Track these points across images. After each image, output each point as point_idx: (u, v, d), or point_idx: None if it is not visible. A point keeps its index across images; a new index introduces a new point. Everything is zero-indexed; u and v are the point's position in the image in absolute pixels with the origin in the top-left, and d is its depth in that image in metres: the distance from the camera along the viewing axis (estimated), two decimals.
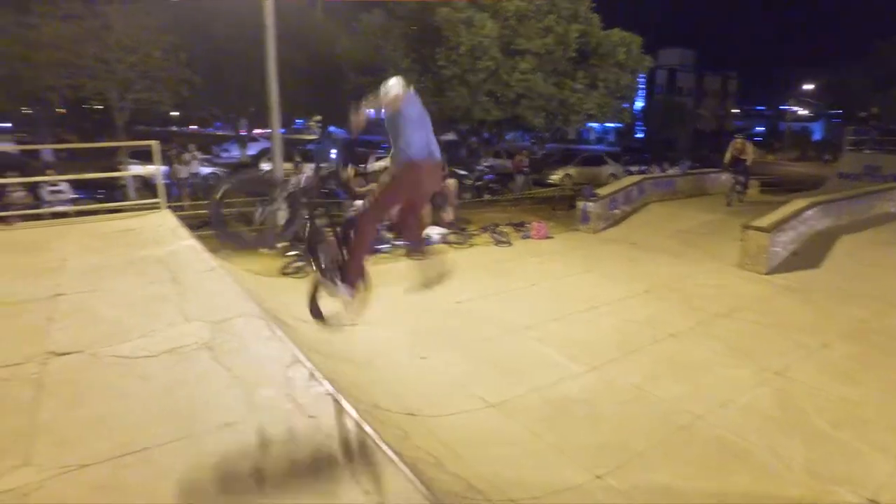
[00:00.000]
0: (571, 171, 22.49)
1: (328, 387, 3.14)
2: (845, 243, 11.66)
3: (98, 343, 3.67)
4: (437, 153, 3.57)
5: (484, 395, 5.76)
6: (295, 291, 8.69)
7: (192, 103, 24.69)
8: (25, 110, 28.40)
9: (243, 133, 29.63)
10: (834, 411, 5.60)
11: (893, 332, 7.87)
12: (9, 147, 16.09)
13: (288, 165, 13.64)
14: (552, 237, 13.20)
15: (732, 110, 63.94)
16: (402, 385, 5.87)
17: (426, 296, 8.39)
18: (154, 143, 8.67)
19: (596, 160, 24.39)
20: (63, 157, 23.80)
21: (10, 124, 37.57)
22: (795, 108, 56.93)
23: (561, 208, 16.61)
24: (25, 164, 12.17)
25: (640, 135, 49.12)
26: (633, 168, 24.47)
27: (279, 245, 10.93)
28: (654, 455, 4.86)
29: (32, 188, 10.34)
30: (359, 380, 5.76)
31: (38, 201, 10.27)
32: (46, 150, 22.66)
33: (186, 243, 6.50)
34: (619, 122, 21.50)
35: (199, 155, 16.07)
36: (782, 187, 21.07)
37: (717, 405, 5.66)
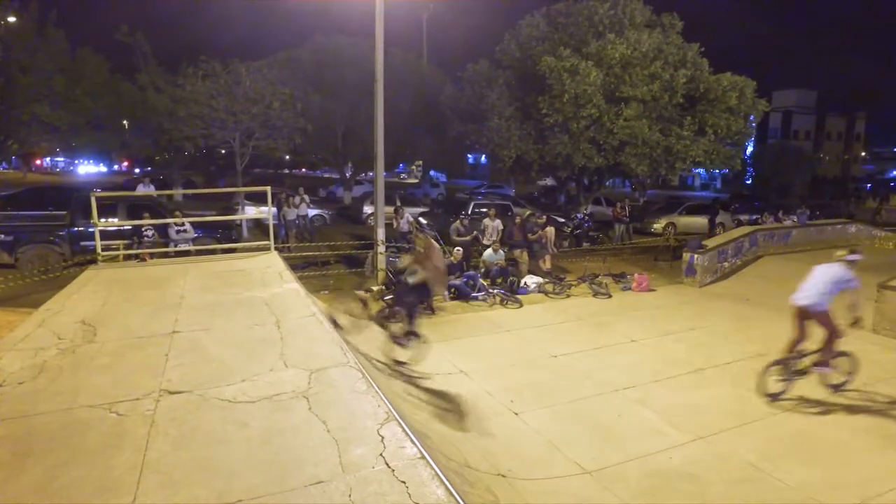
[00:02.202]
0: (675, 219, 21.50)
1: (421, 449, 3.04)
2: None
3: (205, 384, 3.83)
4: None
5: (579, 459, 5.43)
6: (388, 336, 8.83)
7: (303, 148, 26.49)
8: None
9: (347, 176, 31.16)
10: None
11: None
12: (149, 191, 17.92)
13: (389, 209, 14.07)
14: (654, 290, 12.56)
15: (861, 154, 58.86)
16: (494, 442, 5.68)
17: (521, 347, 8.22)
18: (268, 189, 9.26)
19: (702, 209, 23.11)
20: (189, 196, 26.26)
21: (150, 168, 42.39)
22: None
23: (664, 259, 15.84)
24: (158, 204, 13.40)
25: (750, 181, 46.26)
26: (744, 217, 23.00)
27: (374, 289, 11.21)
28: None
29: (162, 227, 11.34)
30: (450, 434, 5.64)
31: (165, 239, 11.25)
32: (179, 192, 25.14)
33: (290, 286, 6.77)
34: (728, 169, 20.36)
35: (308, 198, 17.00)
36: None
37: (860, 500, 4.89)
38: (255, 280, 7.24)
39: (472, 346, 8.52)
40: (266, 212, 9.28)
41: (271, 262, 8.32)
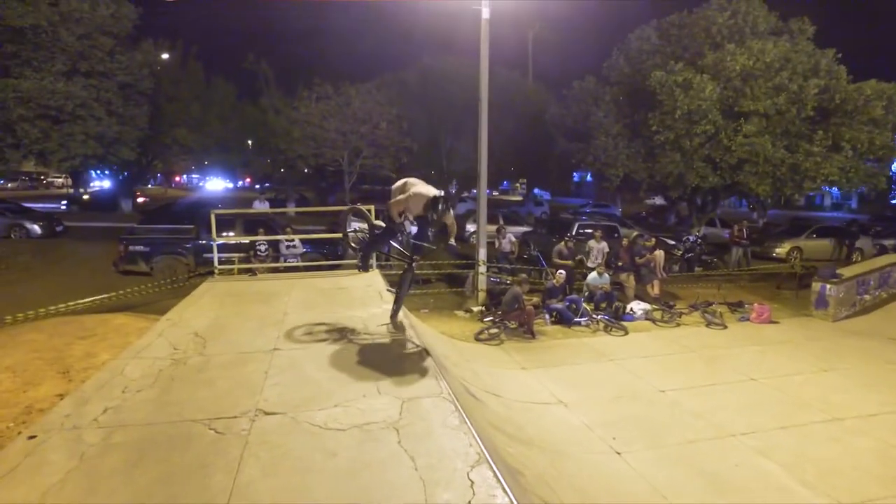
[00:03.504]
0: (801, 244, 19.56)
1: (512, 498, 2.82)
2: None
3: (299, 407, 3.85)
4: None
5: None
6: (487, 360, 8.65)
7: (409, 166, 27.22)
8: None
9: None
10: None
11: None
12: (264, 208, 19.21)
13: (491, 228, 13.97)
14: (777, 322, 11.43)
15: None
16: (593, 483, 5.30)
17: (626, 379, 7.73)
18: (370, 208, 9.43)
19: (835, 232, 20.84)
20: (301, 212, 27.86)
21: (268, 184, 45.65)
22: None
23: (787, 288, 14.42)
24: (271, 220, 14.22)
25: (894, 201, 41.30)
26: (888, 242, 20.54)
27: (475, 309, 11.10)
28: None
29: (274, 242, 11.98)
30: (547, 471, 5.33)
31: (277, 254, 11.86)
32: (290, 205, 26.75)
33: (389, 307, 6.79)
34: (870, 188, 18.21)
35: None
36: None
37: None
38: (354, 299, 7.37)
39: (572, 374, 8.13)
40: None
41: (372, 281, 8.45)
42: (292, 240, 11.85)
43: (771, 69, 15.33)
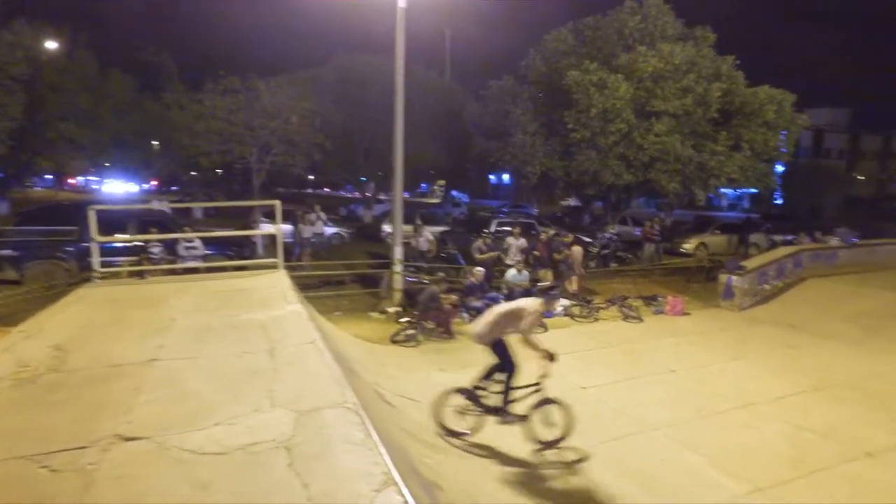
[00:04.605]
0: (707, 239, 20.49)
1: None
2: None
3: (172, 428, 3.19)
4: None
5: None
6: (404, 362, 8.14)
7: (323, 166, 26.20)
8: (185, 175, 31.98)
9: (368, 195, 30.84)
10: None
11: None
12: (160, 205, 17.72)
13: (408, 228, 13.49)
14: (689, 314, 11.72)
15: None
16: (518, 490, 4.93)
17: (546, 378, 7.42)
18: (277, 203, 8.71)
19: (734, 228, 22.08)
20: (211, 214, 26.08)
21: (176, 187, 42.84)
22: None
23: (696, 281, 14.93)
24: (170, 220, 12.98)
25: (778, 201, 44.77)
26: (778, 238, 21.92)
27: (390, 310, 10.56)
28: None
29: (170, 244, 10.88)
30: (468, 481, 4.91)
31: (174, 256, 10.76)
32: (197, 208, 24.99)
33: (293, 308, 6.15)
34: (762, 188, 19.37)
35: (324, 216, 16.51)
36: None
37: None
38: (255, 300, 6.64)
39: None
40: (275, 228, 8.73)
41: (277, 282, 7.72)
42: (191, 240, 10.79)
43: (679, 71, 15.89)
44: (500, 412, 5.62)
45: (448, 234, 17.67)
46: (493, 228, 15.93)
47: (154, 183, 48.81)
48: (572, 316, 10.84)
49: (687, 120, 16.01)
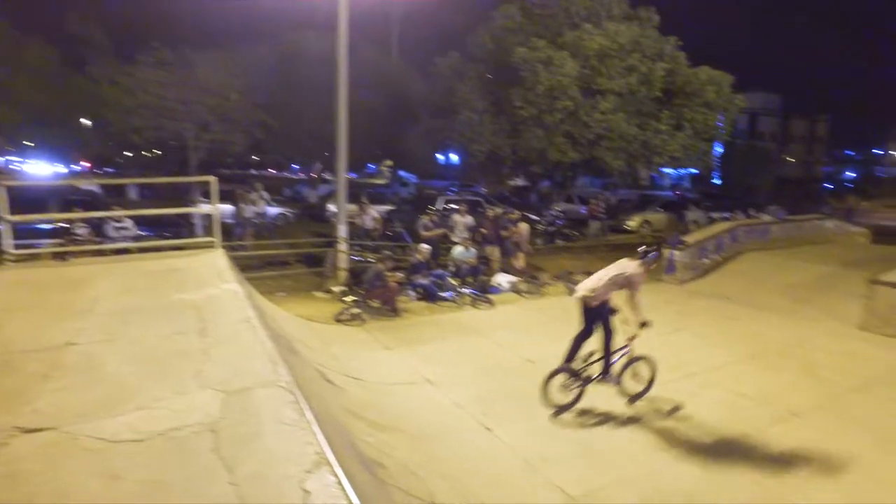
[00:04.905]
0: (649, 216, 21.02)
1: None
2: None
3: (84, 416, 2.91)
4: None
5: (563, 483, 4.64)
6: (348, 341, 7.94)
7: (267, 145, 25.32)
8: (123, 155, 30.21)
9: (314, 175, 30.14)
10: None
11: None
12: (83, 182, 16.69)
13: (353, 207, 13.18)
14: None
15: (821, 156, 59.99)
16: (464, 465, 4.84)
17: (494, 352, 7.39)
18: (212, 179, 8.26)
19: (676, 206, 22.79)
20: (147, 196, 24.83)
21: (111, 168, 40.52)
22: (893, 152, 52.85)
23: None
24: (98, 200, 12.22)
25: (716, 181, 46.62)
26: (716, 215, 22.76)
27: (335, 289, 10.30)
28: None
29: (98, 224, 10.22)
30: (412, 458, 4.78)
31: (101, 237, 10.12)
32: (132, 190, 23.73)
33: (229, 287, 5.84)
34: (701, 167, 20.01)
35: (266, 195, 15.95)
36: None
37: None
38: (189, 280, 6.28)
39: (439, 351, 7.67)
40: (220, 209, 8.28)
41: (214, 261, 7.35)
42: (121, 220, 10.15)
43: (624, 50, 16.07)
44: (602, 376, 6.03)
45: (395, 212, 17.43)
46: (439, 206, 15.81)
47: (86, 164, 46.12)
48: (519, 292, 10.85)
49: (631, 98, 16.24)
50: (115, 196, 19.56)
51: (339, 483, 2.32)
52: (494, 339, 8.24)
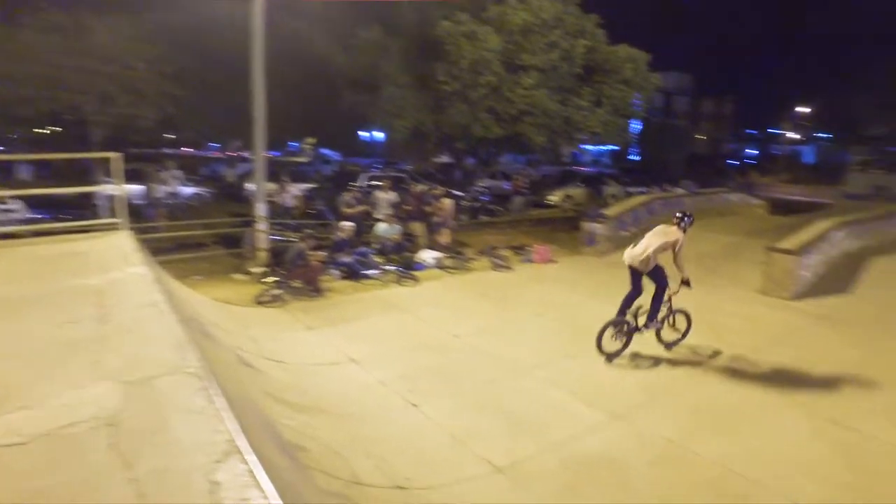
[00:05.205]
0: (571, 192, 21.63)
1: (271, 496, 2.07)
2: (878, 267, 10.77)
3: None
4: None
5: (489, 455, 4.70)
6: (269, 323, 7.66)
7: (180, 122, 23.81)
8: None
9: (233, 154, 28.78)
10: None
11: None
12: None
13: (272, 185, 12.68)
14: (556, 261, 12.21)
15: (727, 134, 63.67)
16: (390, 443, 4.80)
17: (419, 328, 7.38)
18: (115, 156, 7.63)
19: (596, 181, 23.61)
20: (44, 175, 22.76)
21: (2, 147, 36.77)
22: (787, 132, 57.00)
23: (562, 230, 15.68)
24: None
25: (633, 157, 48.62)
26: (633, 189, 23.73)
27: (255, 270, 9.91)
28: None
29: None
30: (335, 438, 4.68)
31: None
32: (25, 169, 21.69)
33: (135, 270, 5.45)
34: (620, 143, 20.70)
35: (179, 174, 15.06)
36: (789, 209, 20.23)
37: (774, 466, 4.68)
38: (90, 264, 5.81)
39: (364, 329, 7.57)
40: (117, 185, 7.66)
41: (119, 243, 6.84)
42: (5, 201, 9.26)
43: (547, 26, 16.18)
44: (647, 324, 6.96)
45: (317, 190, 16.96)
46: (362, 183, 15.53)
47: None
48: (445, 268, 10.87)
49: (553, 75, 16.44)
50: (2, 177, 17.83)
51: (251, 471, 2.19)
52: (420, 316, 8.22)
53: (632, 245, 6.92)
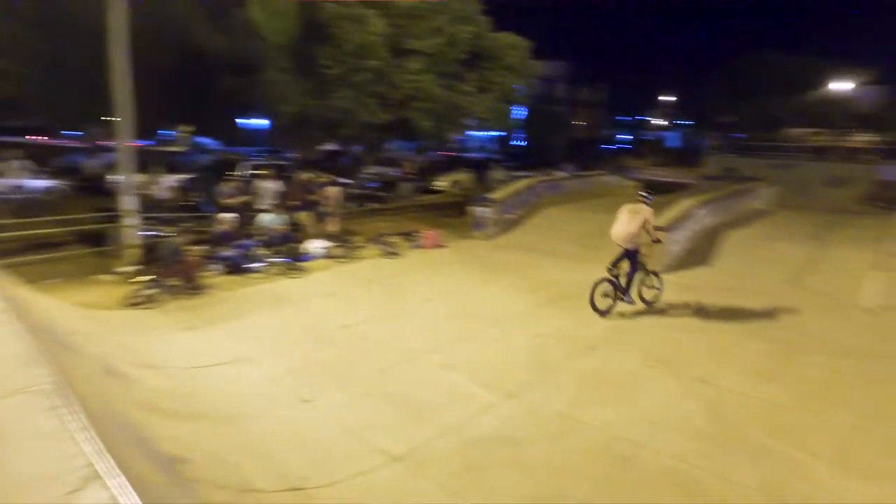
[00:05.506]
0: (458, 177, 21.98)
1: None
2: (731, 240, 11.93)
3: None
4: None
5: (386, 445, 4.64)
6: (143, 326, 7.03)
7: (28, 105, 21.09)
8: None
9: (97, 143, 26.10)
10: (764, 419, 5.30)
11: (791, 326, 7.87)
12: None
13: (143, 177, 11.64)
14: (445, 246, 12.36)
15: (602, 120, 67.68)
16: (282, 444, 4.59)
17: (309, 320, 7.15)
18: None
19: (483, 166, 24.17)
20: None
21: None
22: (653, 119, 61.85)
23: (451, 215, 15.90)
24: None
25: (516, 143, 50.42)
26: (518, 174, 24.57)
27: (125, 269, 9.07)
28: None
29: None
30: (223, 445, 4.41)
31: None
32: None
33: None
34: (505, 128, 21.29)
35: (28, 164, 13.39)
36: (658, 189, 21.90)
37: (652, 427, 5.06)
38: None
39: (250, 325, 7.19)
40: None
41: None
42: None
43: (432, 11, 16.13)
44: (623, 299, 8.08)
45: (194, 181, 15.84)
46: (243, 173, 14.71)
47: None
48: (334, 257, 10.61)
49: (439, 60, 16.46)
50: None
51: (115, 498, 1.96)
52: (309, 307, 7.97)
53: (615, 225, 8.05)
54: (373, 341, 6.88)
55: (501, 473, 4.35)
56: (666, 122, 60.34)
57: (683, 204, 11.78)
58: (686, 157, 40.62)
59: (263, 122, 35.43)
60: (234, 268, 9.20)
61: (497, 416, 5.21)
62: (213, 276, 8.83)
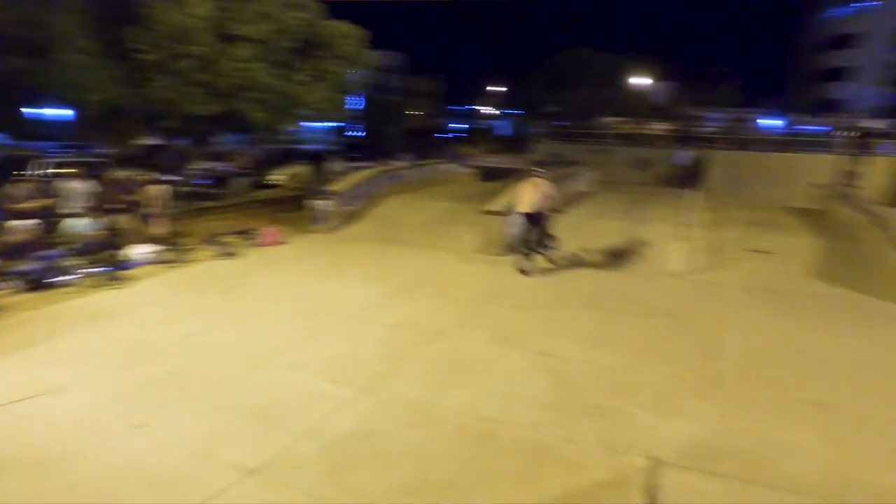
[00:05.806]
0: (296, 170, 21.29)
1: None
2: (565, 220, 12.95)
3: None
4: None
5: (240, 459, 4.36)
6: None
7: None
8: None
9: None
10: (600, 382, 5.86)
11: (613, 294, 8.75)
12: None
13: None
14: (285, 242, 11.94)
15: (437, 110, 69.63)
16: (116, 478, 4.12)
17: (138, 334, 6.46)
18: None
19: (319, 157, 23.68)
20: None
21: None
22: (486, 108, 65.19)
23: (289, 210, 15.34)
24: None
25: (352, 133, 50.16)
26: (358, 164, 24.44)
27: None
28: (466, 483, 4.17)
29: None
30: (38, 494, 3.83)
31: None
32: None
33: None
34: (341, 118, 20.89)
35: None
36: (493, 175, 23.08)
37: (505, 402, 5.37)
38: None
39: (62, 348, 6.29)
40: None
41: None
42: None
43: None
44: (543, 250, 9.84)
45: None
46: (39, 172, 12.74)
47: None
48: (162, 262, 9.68)
49: (269, 47, 15.58)
50: None
51: None
52: (135, 320, 7.19)
53: (519, 197, 9.68)
54: (215, 350, 6.40)
55: (366, 470, 4.30)
56: (497, 112, 63.71)
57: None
58: (516, 144, 43.26)
59: (66, 113, 31.05)
60: (37, 283, 7.95)
61: (354, 412, 5.14)
62: (8, 294, 7.54)
